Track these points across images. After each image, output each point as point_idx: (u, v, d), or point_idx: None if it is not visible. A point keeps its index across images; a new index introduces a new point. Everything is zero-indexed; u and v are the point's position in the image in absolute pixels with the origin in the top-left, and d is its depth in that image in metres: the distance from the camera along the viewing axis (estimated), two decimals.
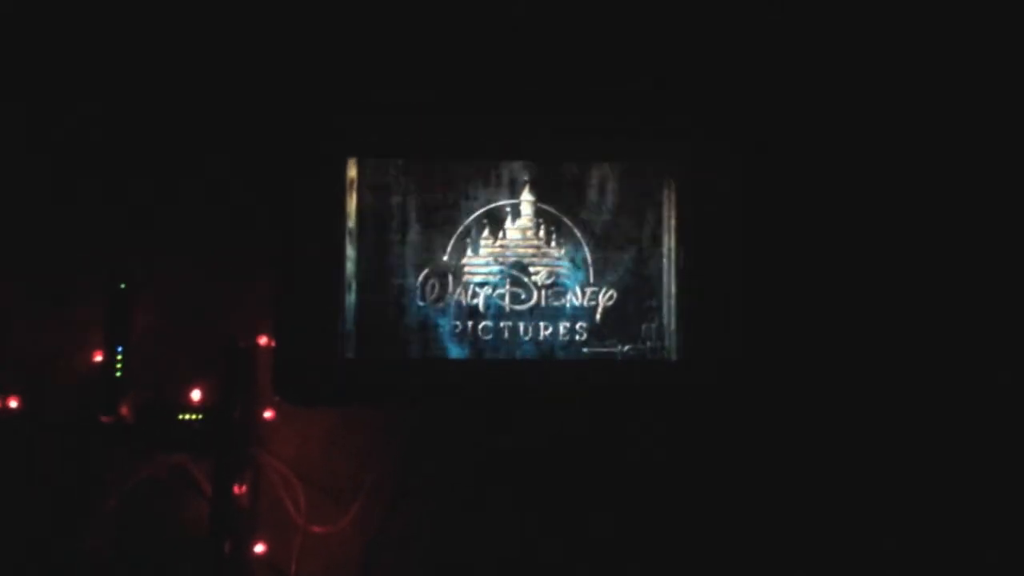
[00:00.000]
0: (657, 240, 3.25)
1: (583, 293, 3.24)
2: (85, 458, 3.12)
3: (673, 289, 3.24)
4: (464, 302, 3.21)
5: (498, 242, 3.22)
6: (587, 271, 3.24)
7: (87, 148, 3.26)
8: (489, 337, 3.21)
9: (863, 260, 3.30)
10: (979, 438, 3.24)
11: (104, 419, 3.02)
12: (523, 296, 3.22)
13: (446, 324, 3.20)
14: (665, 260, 3.25)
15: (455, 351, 3.20)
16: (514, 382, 3.21)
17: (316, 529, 3.20)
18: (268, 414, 3.21)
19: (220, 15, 3.27)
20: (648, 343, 3.25)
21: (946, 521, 3.22)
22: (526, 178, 3.24)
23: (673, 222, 3.24)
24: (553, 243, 3.24)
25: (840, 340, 3.27)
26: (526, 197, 3.23)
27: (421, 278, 3.20)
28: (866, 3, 3.31)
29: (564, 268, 3.24)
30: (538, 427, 3.26)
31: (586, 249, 3.24)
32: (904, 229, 3.31)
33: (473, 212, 3.22)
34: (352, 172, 3.19)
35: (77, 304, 3.17)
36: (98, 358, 3.07)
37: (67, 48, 3.26)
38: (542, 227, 3.24)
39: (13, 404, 3.10)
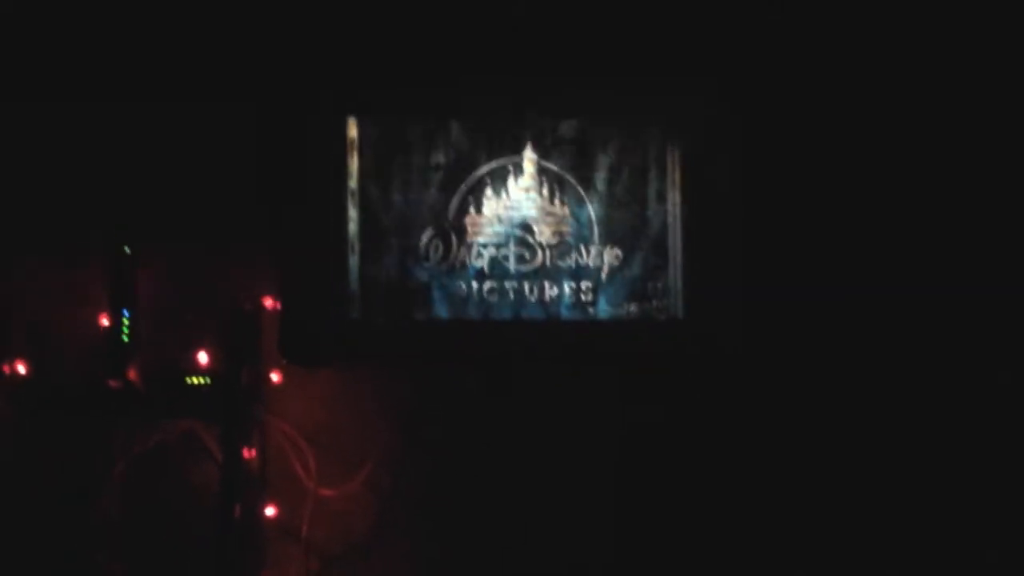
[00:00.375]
0: (662, 198, 3.23)
1: (589, 252, 3.22)
2: (94, 423, 3.12)
3: (679, 247, 3.21)
4: (468, 262, 3.20)
5: (502, 201, 3.21)
6: (592, 230, 3.22)
7: (94, 113, 3.25)
8: (494, 298, 3.20)
9: (866, 216, 3.27)
10: (978, 431, 3.23)
11: (112, 384, 3.03)
12: (528, 256, 3.21)
13: (451, 284, 3.19)
14: (670, 218, 3.22)
15: (460, 311, 3.19)
16: (520, 343, 3.20)
17: (326, 492, 3.21)
18: (275, 377, 3.21)
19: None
20: (655, 302, 3.23)
21: (946, 516, 3.21)
22: (528, 136, 3.22)
23: (677, 179, 3.22)
24: (557, 202, 3.22)
25: (843, 296, 3.25)
26: (529, 155, 3.21)
27: (425, 239, 3.19)
28: None
29: (569, 227, 3.22)
30: (544, 387, 3.25)
31: (591, 207, 3.22)
32: (907, 191, 3.27)
33: (476, 171, 3.20)
34: (352, 132, 3.18)
35: (85, 269, 3.17)
36: (104, 323, 3.07)
37: (79, 18, 3.26)
38: (545, 185, 3.22)
39: (21, 369, 3.11)
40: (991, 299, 3.23)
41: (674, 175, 3.22)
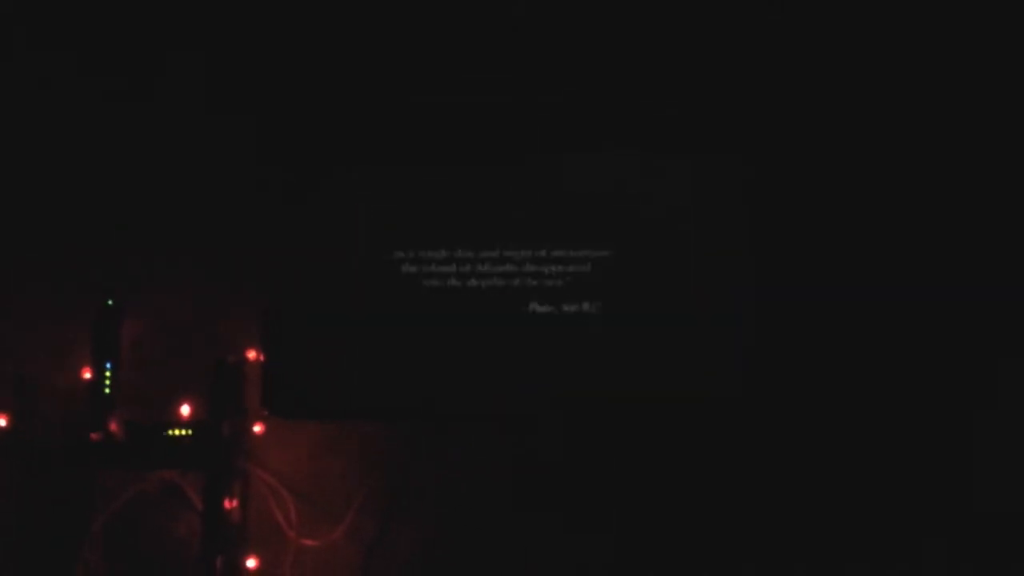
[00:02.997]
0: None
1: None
2: (74, 475, 3.12)
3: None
4: None
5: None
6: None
7: (77, 164, 3.28)
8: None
9: (880, 292, 3.24)
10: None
11: (93, 436, 3.01)
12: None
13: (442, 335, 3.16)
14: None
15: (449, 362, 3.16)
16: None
17: (308, 542, 3.21)
18: (257, 428, 3.21)
19: (221, 54, 3.31)
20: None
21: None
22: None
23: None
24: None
25: (857, 365, 3.22)
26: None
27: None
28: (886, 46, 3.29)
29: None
30: (534, 437, 3.24)
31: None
32: (922, 255, 3.25)
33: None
34: (351, 186, 3.14)
35: (67, 321, 3.17)
36: (86, 375, 3.06)
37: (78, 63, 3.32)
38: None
39: (2, 422, 3.10)
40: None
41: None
